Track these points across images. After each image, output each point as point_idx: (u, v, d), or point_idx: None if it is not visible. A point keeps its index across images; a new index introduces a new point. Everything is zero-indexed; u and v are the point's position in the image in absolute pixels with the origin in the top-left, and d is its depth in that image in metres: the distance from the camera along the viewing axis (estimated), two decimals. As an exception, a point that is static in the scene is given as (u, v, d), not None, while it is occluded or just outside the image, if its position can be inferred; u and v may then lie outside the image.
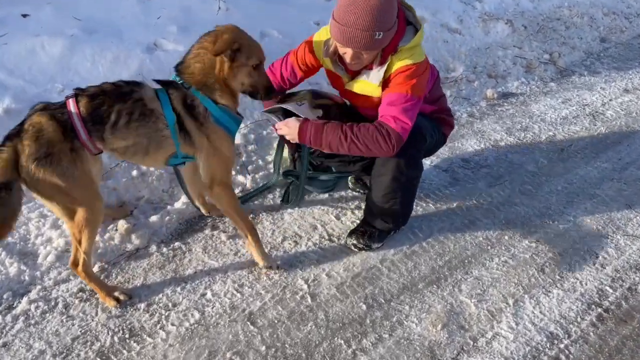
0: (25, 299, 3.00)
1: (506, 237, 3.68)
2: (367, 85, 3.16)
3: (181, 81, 2.88)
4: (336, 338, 2.90)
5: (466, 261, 3.47)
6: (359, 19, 2.75)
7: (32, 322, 2.90)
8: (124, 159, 3.06)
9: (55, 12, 4.61)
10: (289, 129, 3.15)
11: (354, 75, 3.23)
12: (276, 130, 3.29)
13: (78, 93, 2.78)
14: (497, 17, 6.72)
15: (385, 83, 3.09)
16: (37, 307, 2.96)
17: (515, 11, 6.99)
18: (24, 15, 4.51)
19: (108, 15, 4.78)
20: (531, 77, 6.08)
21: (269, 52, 5.10)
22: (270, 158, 4.29)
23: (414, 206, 3.75)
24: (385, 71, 3.05)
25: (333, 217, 3.80)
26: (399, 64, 3.01)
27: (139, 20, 4.84)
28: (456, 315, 3.08)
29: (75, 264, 2.91)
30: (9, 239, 3.26)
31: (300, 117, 3.17)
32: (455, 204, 4.00)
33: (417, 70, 3.03)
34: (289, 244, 3.50)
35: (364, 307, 3.10)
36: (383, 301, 3.15)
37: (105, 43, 4.41)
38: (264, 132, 4.50)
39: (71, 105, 2.71)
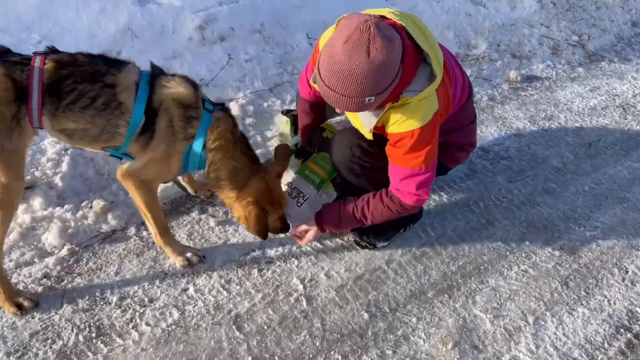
0: (-21, 283, 2.62)
1: (527, 243, 3.30)
2: (359, 123, 2.63)
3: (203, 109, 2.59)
4: (333, 352, 2.55)
5: (482, 268, 3.10)
6: (344, 86, 2.14)
7: (-14, 311, 2.53)
8: (67, 142, 2.66)
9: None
10: (315, 238, 2.93)
11: None
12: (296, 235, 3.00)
13: (49, 53, 2.35)
14: (525, -10, 6.16)
15: (381, 128, 2.55)
16: (-7, 294, 2.58)
17: (546, -15, 6.43)
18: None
19: (97, -40, 4.24)
20: (558, 60, 5.60)
21: (277, 14, 4.64)
22: (269, 134, 3.85)
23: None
24: (380, 119, 2.48)
25: (336, 206, 3.40)
26: (399, 126, 2.43)
27: (132, -33, 4.30)
28: (469, 332, 2.72)
29: None
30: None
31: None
32: (471, 200, 3.61)
33: (423, 135, 2.43)
34: (285, 236, 3.10)
35: (366, 316, 2.74)
36: (388, 310, 2.79)
37: (92, -9, 3.90)
38: (264, 104, 4.05)
39: (36, 65, 2.28)
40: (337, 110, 2.46)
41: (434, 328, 2.72)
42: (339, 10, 3.62)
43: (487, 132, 4.36)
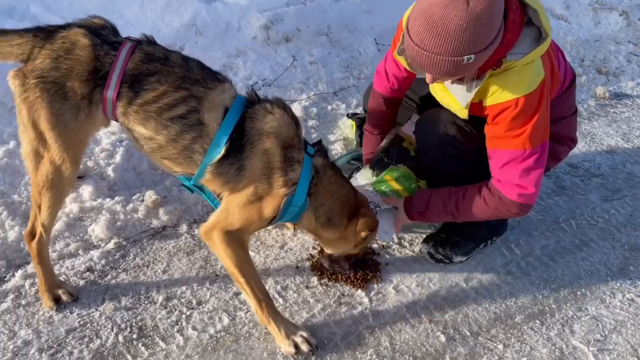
0: (20, 272, 2.42)
1: (631, 268, 2.82)
2: (451, 100, 2.30)
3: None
4: (404, 376, 2.17)
5: (579, 293, 2.65)
6: (439, 42, 1.83)
7: (23, 302, 2.31)
8: (135, 146, 2.29)
9: (109, -51, 4.06)
10: (404, 222, 2.59)
11: None
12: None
13: (142, 41, 2.14)
14: (610, 6, 5.73)
15: (479, 105, 2.22)
16: (32, 285, 2.37)
17: (632, 2, 5.97)
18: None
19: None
20: (649, 79, 5.09)
21: (345, 18, 4.43)
22: (333, 137, 3.57)
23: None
24: (478, 92, 2.16)
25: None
26: (500, 95, 2.10)
27: (201, -33, 4.22)
28: (568, 366, 2.27)
29: (31, 234, 2.24)
30: (15, 196, 2.70)
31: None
32: (561, 218, 3.16)
33: (529, 104, 2.08)
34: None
35: (443, 338, 2.34)
36: (468, 334, 2.38)
37: (158, -14, 3.81)
38: (328, 107, 3.78)
39: (123, 53, 2.06)
40: (428, 80, 2.10)
41: (525, 358, 2.29)
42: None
43: (575, 148, 3.90)
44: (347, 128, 3.63)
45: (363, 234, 2.33)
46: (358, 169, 2.91)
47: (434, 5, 1.79)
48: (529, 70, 2.07)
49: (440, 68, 1.89)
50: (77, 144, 2.17)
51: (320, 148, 2.35)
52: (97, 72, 2.06)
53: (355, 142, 3.50)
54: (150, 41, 2.18)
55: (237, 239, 2.18)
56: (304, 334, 2.21)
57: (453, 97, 2.25)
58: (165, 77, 2.08)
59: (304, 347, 2.17)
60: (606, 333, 2.43)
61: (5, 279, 2.40)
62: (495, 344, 2.33)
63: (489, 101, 2.14)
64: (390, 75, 2.66)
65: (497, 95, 2.10)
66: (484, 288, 2.62)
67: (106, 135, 3.11)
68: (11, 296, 2.32)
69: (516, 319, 2.47)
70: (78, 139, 2.16)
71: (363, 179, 2.76)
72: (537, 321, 2.47)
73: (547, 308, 2.55)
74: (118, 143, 3.08)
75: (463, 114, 2.26)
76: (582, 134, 4.10)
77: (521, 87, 2.06)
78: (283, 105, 2.20)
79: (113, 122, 2.26)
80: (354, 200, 2.39)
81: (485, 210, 2.30)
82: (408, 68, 2.43)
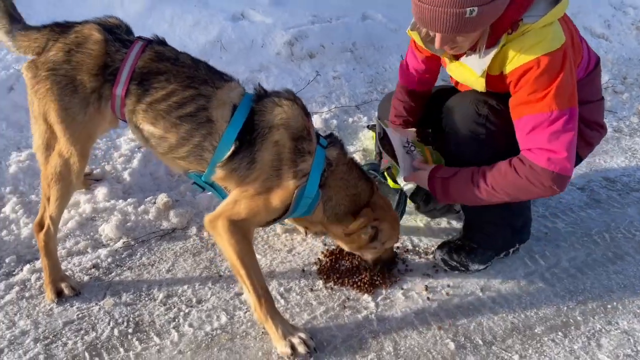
0: (27, 267, 2.45)
1: (670, 283, 2.56)
2: (469, 73, 2.22)
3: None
4: (406, 382, 2.01)
5: (609, 307, 2.42)
6: None
7: (27, 295, 2.32)
8: (144, 145, 2.29)
9: (144, -26, 4.28)
10: (421, 182, 2.42)
11: (458, 55, 2.28)
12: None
13: (153, 41, 2.18)
14: (655, 25, 5.49)
15: (498, 78, 2.15)
16: (37, 279, 2.39)
17: (679, 21, 5.70)
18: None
19: (198, -17, 4.37)
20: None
21: (371, 36, 4.44)
22: (352, 148, 3.51)
23: (534, 224, 2.79)
24: (497, 55, 2.08)
25: (422, 224, 2.92)
26: (519, 58, 2.02)
27: (230, -10, 4.37)
28: (593, 381, 2.05)
29: (40, 225, 2.27)
30: (32, 196, 2.77)
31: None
32: (594, 230, 2.94)
33: (551, 64, 1.99)
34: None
35: (452, 345, 2.17)
36: (480, 342, 2.20)
37: (187, 6, 3.96)
38: (349, 120, 3.74)
39: (134, 52, 2.10)
40: (437, 44, 2.05)
41: (542, 370, 2.08)
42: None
43: (612, 162, 3.69)
44: (367, 140, 3.58)
45: (363, 235, 2.23)
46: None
47: None
48: (547, 32, 1.99)
49: (443, 22, 1.85)
50: (85, 138, 2.20)
51: (334, 140, 2.30)
52: (107, 67, 2.10)
53: (374, 152, 3.42)
54: (161, 41, 2.22)
55: (241, 230, 2.12)
56: (302, 335, 2.10)
57: (469, 69, 2.17)
58: (175, 76, 2.10)
59: (301, 349, 2.05)
60: (638, 348, 2.19)
61: (14, 273, 2.44)
62: (510, 354, 2.14)
63: (509, 67, 2.05)
64: (411, 68, 2.66)
65: (517, 59, 2.02)
66: (502, 297, 2.44)
67: (125, 142, 3.18)
68: (16, 288, 2.34)
69: (536, 330, 2.27)
70: (86, 132, 2.19)
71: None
72: (560, 333, 2.26)
73: (571, 320, 2.33)
74: (136, 149, 3.14)
75: (481, 85, 2.17)
76: (622, 149, 3.88)
77: (541, 47, 1.98)
78: (292, 97, 2.17)
79: (123, 124, 2.30)
80: (367, 198, 2.29)
81: (515, 181, 2.09)
82: (421, 44, 2.36)
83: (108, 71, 2.09)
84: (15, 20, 2.18)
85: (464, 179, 2.23)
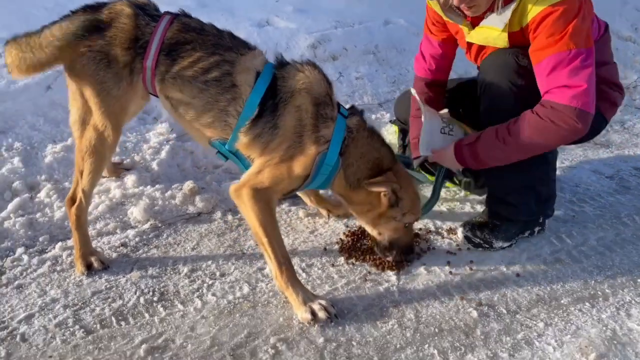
0: (59, 244, 2.54)
1: None
2: (490, 31, 2.29)
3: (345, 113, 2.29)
4: (427, 345, 1.98)
5: (639, 281, 2.35)
6: None
7: (58, 268, 2.41)
8: (173, 115, 2.37)
9: (175, -11, 4.50)
10: (447, 160, 2.47)
11: (476, 23, 2.37)
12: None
13: (179, 15, 2.30)
14: (683, 27, 5.44)
15: (519, 34, 2.22)
16: (69, 255, 2.48)
17: None
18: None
19: (226, -5, 4.58)
20: None
21: (393, 39, 4.53)
22: (376, 142, 3.55)
23: (561, 208, 2.76)
24: (515, 11, 2.16)
25: (444, 208, 2.92)
26: (537, 7, 2.09)
27: (256, 1, 4.57)
28: (622, 346, 1.98)
29: (72, 200, 2.35)
30: (65, 183, 2.90)
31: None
32: (623, 214, 2.89)
33: (568, 9, 2.06)
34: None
35: (475, 314, 2.14)
36: (504, 311, 2.16)
37: (214, 15, 4.12)
38: (372, 116, 3.80)
39: (163, 24, 2.21)
40: (456, 1, 2.14)
41: (569, 336, 2.03)
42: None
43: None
44: (390, 134, 3.60)
45: (383, 198, 2.24)
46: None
47: None
48: None
49: None
50: (119, 112, 2.28)
51: (354, 110, 2.35)
52: (137, 40, 2.19)
53: (397, 146, 3.46)
54: (187, 15, 2.32)
55: (265, 198, 2.16)
56: (323, 302, 2.11)
57: (490, 27, 2.25)
58: (200, 44, 2.19)
59: (322, 314, 2.06)
60: (671, 318, 2.12)
61: (47, 251, 2.53)
62: (535, 322, 2.10)
63: (529, 17, 2.12)
64: (427, 56, 2.71)
65: (535, 8, 2.10)
66: (527, 272, 2.40)
67: (155, 135, 3.30)
68: (48, 263, 2.43)
69: (562, 301, 2.22)
70: (119, 106, 2.27)
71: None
72: (587, 304, 2.21)
73: (599, 292, 2.28)
74: (165, 142, 3.25)
75: (503, 40, 2.25)
76: (651, 141, 3.81)
77: None
78: (314, 64, 2.25)
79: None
80: (389, 164, 2.30)
81: (538, 125, 2.11)
82: (442, 15, 2.44)
83: (139, 44, 2.19)
84: None
85: (490, 138, 2.26)
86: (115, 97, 2.24)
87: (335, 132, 2.17)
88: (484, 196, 2.76)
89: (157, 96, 2.32)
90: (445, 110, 2.73)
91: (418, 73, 2.82)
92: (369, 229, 2.43)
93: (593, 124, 2.19)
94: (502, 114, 2.28)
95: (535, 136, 2.15)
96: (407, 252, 2.42)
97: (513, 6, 2.16)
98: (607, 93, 2.45)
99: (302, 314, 2.07)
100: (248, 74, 2.17)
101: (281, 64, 2.25)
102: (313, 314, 2.06)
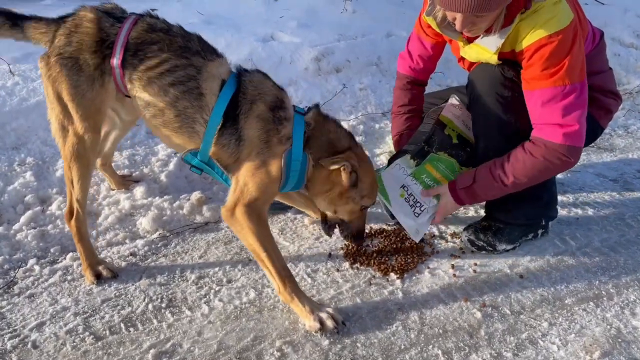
0: (70, 254, 2.59)
1: None
2: (482, 50, 2.32)
3: (300, 110, 2.36)
4: (431, 346, 2.00)
5: (644, 280, 2.36)
6: None
7: (69, 278, 2.46)
8: (146, 121, 2.38)
9: (182, 7, 4.64)
10: (448, 210, 2.53)
11: (471, 40, 2.39)
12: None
13: (145, 15, 2.35)
14: (686, 33, 5.46)
15: (510, 54, 2.25)
16: (79, 265, 2.52)
17: None
18: (152, 10, 4.56)
19: (231, 13, 4.70)
20: None
21: (396, 51, 4.55)
22: (379, 150, 3.60)
23: (564, 211, 2.78)
24: (509, 37, 2.18)
25: (449, 214, 2.94)
26: (533, 35, 2.11)
27: (260, 17, 4.67)
28: (626, 344, 1.98)
29: (70, 213, 2.40)
30: (76, 194, 2.96)
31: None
32: (627, 215, 2.90)
33: (563, 41, 2.08)
34: (388, 227, 2.70)
35: (479, 315, 2.16)
36: (508, 312, 2.18)
37: (220, 31, 4.24)
38: (376, 126, 3.85)
39: (127, 24, 2.27)
40: (458, 26, 2.14)
41: (573, 335, 2.04)
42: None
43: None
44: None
45: (344, 173, 2.26)
46: (397, 156, 2.80)
47: None
48: (558, 9, 2.09)
49: (467, 2, 1.96)
50: (95, 113, 2.32)
51: (312, 107, 2.40)
52: (103, 42, 2.25)
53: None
54: (152, 16, 2.36)
55: (257, 212, 2.21)
56: (330, 310, 2.12)
57: (483, 48, 2.28)
58: (168, 45, 2.24)
59: (329, 323, 2.07)
60: (676, 316, 2.12)
61: (58, 261, 2.58)
62: (539, 322, 2.11)
63: (524, 43, 2.14)
64: (415, 55, 2.75)
65: (530, 36, 2.11)
66: (531, 273, 2.42)
67: (163, 148, 3.37)
68: (59, 273, 2.48)
69: (566, 301, 2.23)
70: (95, 107, 2.31)
71: (402, 166, 2.69)
72: (591, 303, 2.22)
73: (604, 292, 2.29)
74: (173, 154, 3.32)
75: (494, 61, 2.27)
76: (656, 144, 3.82)
77: (554, 24, 2.07)
78: (263, 74, 2.33)
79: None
80: (347, 144, 2.35)
81: (533, 164, 2.19)
82: (437, 29, 2.47)
83: (105, 45, 2.25)
84: (17, 17, 2.37)
85: (486, 180, 2.32)
86: (90, 99, 2.29)
87: (295, 128, 2.24)
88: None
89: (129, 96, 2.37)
90: (426, 127, 2.74)
91: (402, 70, 2.87)
92: (324, 208, 2.45)
93: (588, 132, 2.23)
94: (492, 124, 2.36)
95: (531, 173, 2.23)
96: (357, 236, 2.48)
97: (508, 32, 2.18)
98: (601, 101, 2.48)
99: (310, 322, 2.08)
100: (214, 82, 2.23)
101: (240, 75, 2.29)
102: (321, 322, 2.07)
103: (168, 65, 2.22)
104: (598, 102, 2.45)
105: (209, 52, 2.30)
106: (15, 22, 2.36)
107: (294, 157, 2.21)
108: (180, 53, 2.23)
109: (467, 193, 2.39)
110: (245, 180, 2.23)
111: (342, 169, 2.26)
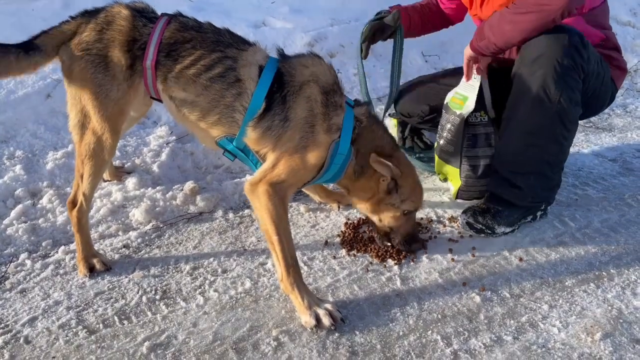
0: (62, 248, 2.55)
1: None
2: None
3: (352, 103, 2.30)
4: (430, 332, 1.97)
5: (645, 260, 2.32)
6: None
7: (61, 272, 2.41)
8: (177, 116, 2.35)
9: (172, -4, 4.53)
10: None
11: None
12: None
13: (176, 16, 2.30)
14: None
15: None
16: (72, 259, 2.48)
17: None
18: None
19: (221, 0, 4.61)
20: None
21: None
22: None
23: (563, 192, 2.74)
24: None
25: (447, 198, 2.90)
26: None
27: (251, 3, 4.59)
28: (628, 324, 1.95)
29: (73, 203, 2.36)
30: (67, 189, 2.92)
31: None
32: (627, 195, 2.86)
33: None
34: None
35: (478, 299, 2.12)
36: (508, 295, 2.14)
37: (211, 18, 4.07)
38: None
39: (160, 24, 2.21)
40: None
41: (574, 317, 2.01)
42: (458, 29, 3.41)
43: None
44: (390, 128, 3.60)
45: (382, 183, 2.23)
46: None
47: None
48: None
49: None
50: (118, 115, 2.27)
51: (359, 102, 2.36)
52: (136, 42, 2.20)
53: (397, 139, 3.45)
54: (182, 15, 2.32)
55: (280, 193, 2.12)
56: (329, 306, 2.03)
57: None
58: (200, 42, 2.19)
59: (326, 321, 1.98)
60: (678, 295, 2.09)
61: (49, 255, 2.54)
62: (539, 305, 2.08)
63: None
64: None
65: None
66: (530, 256, 2.38)
67: (154, 139, 3.32)
68: (51, 267, 2.44)
69: (566, 283, 2.20)
70: (118, 109, 2.26)
71: None
72: (592, 284, 2.18)
73: (604, 273, 2.25)
74: (165, 145, 3.27)
75: None
76: (655, 123, 3.77)
77: None
78: (317, 56, 2.26)
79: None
80: (390, 152, 2.31)
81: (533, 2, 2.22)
82: None
83: (137, 45, 2.19)
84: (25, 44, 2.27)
85: (492, 18, 2.39)
86: (113, 100, 2.24)
87: (345, 120, 2.17)
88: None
89: (159, 100, 2.33)
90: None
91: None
92: (369, 215, 2.42)
93: (606, 89, 2.52)
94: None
95: (530, 7, 2.24)
96: (409, 241, 2.40)
97: None
98: (617, 58, 2.64)
99: (306, 318, 2.01)
100: (252, 69, 2.18)
101: (284, 57, 2.25)
102: (317, 319, 1.99)
103: (204, 61, 2.18)
104: (613, 61, 2.60)
105: (241, 42, 2.27)
106: (26, 50, 2.24)
107: (341, 151, 2.15)
108: (214, 48, 2.20)
109: (478, 34, 2.45)
110: (278, 159, 2.15)
111: (381, 179, 2.25)
